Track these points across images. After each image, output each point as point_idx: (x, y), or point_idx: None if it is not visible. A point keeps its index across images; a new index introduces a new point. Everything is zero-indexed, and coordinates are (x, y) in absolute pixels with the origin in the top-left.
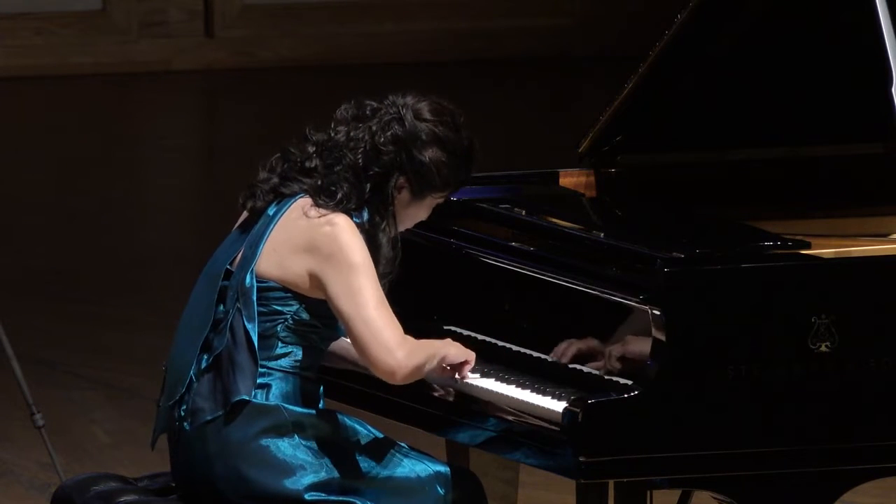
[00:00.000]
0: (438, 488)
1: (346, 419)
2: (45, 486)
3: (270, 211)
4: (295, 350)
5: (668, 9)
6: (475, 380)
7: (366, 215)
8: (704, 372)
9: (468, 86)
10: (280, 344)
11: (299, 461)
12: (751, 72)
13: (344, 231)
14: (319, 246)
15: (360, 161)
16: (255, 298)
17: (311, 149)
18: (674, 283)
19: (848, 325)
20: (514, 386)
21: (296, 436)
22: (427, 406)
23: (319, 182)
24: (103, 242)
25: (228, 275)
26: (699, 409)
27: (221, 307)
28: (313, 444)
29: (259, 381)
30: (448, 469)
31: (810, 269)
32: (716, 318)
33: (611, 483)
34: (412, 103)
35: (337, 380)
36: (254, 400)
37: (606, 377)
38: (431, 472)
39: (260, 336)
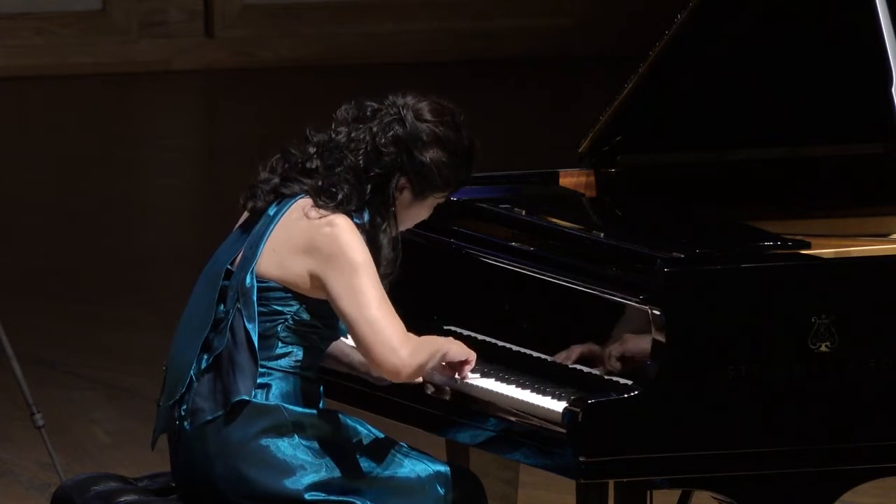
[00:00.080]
0: (438, 488)
1: (346, 419)
2: (45, 486)
3: (271, 211)
4: (295, 350)
5: (668, 9)
6: (475, 380)
7: (366, 216)
8: (704, 372)
9: (468, 86)
10: (280, 344)
11: (299, 461)
12: (751, 72)
13: (344, 231)
14: (320, 247)
15: (360, 162)
16: (255, 298)
17: (311, 149)
18: (674, 283)
19: (848, 325)
20: (514, 386)
21: (296, 436)
22: (427, 406)
23: (320, 183)
24: (103, 242)
25: (229, 275)
26: (699, 409)
27: (222, 307)
28: (313, 444)
29: (259, 381)
30: (448, 469)
31: (810, 269)
32: (716, 318)
33: (611, 483)
34: (412, 104)
35: (337, 380)
36: (254, 400)
37: (606, 377)
38: (431, 472)
39: (260, 336)
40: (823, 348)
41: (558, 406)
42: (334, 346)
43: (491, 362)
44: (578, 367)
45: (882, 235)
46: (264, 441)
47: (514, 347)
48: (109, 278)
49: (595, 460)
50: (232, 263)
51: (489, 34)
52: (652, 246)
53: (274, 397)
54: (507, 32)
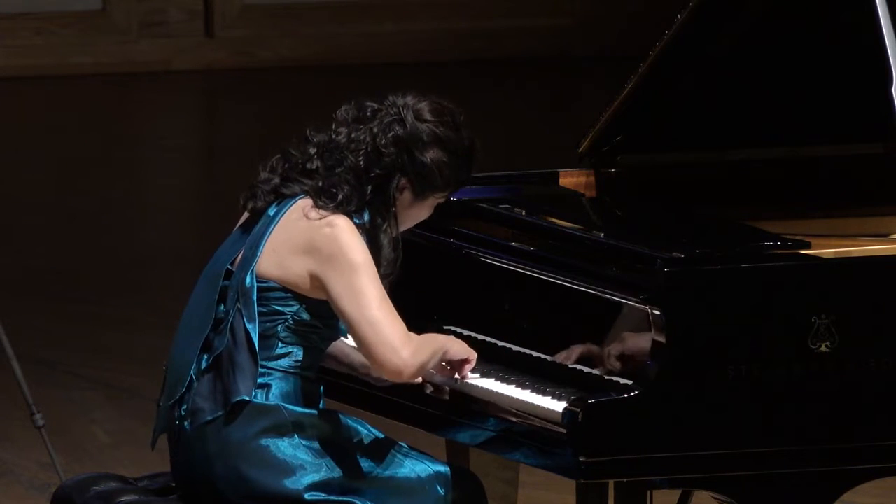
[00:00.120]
0: (439, 488)
1: (346, 419)
2: (45, 486)
3: (271, 211)
4: (295, 350)
5: (668, 9)
6: (475, 380)
7: (367, 216)
8: (704, 372)
9: (468, 86)
10: (280, 344)
11: (299, 461)
12: (751, 72)
13: (344, 232)
14: (320, 247)
15: (361, 163)
16: (255, 299)
17: (311, 150)
18: (674, 283)
19: (848, 325)
20: (514, 386)
21: (296, 436)
22: (427, 406)
23: (320, 183)
24: (103, 242)
25: (229, 275)
26: (699, 409)
27: (222, 307)
28: (313, 444)
29: (259, 381)
30: (448, 469)
31: (810, 269)
32: (716, 318)
33: (611, 483)
34: (412, 104)
35: (337, 380)
36: (254, 400)
37: (606, 377)
38: (432, 472)
39: (260, 336)
40: (823, 348)
41: (558, 406)
42: (334, 347)
43: (491, 362)
44: (578, 367)
45: (882, 235)
46: (264, 441)
47: (514, 347)
48: (109, 278)
49: (595, 460)
50: (232, 264)
51: (489, 34)
52: (652, 246)
53: (274, 397)
54: (507, 32)
